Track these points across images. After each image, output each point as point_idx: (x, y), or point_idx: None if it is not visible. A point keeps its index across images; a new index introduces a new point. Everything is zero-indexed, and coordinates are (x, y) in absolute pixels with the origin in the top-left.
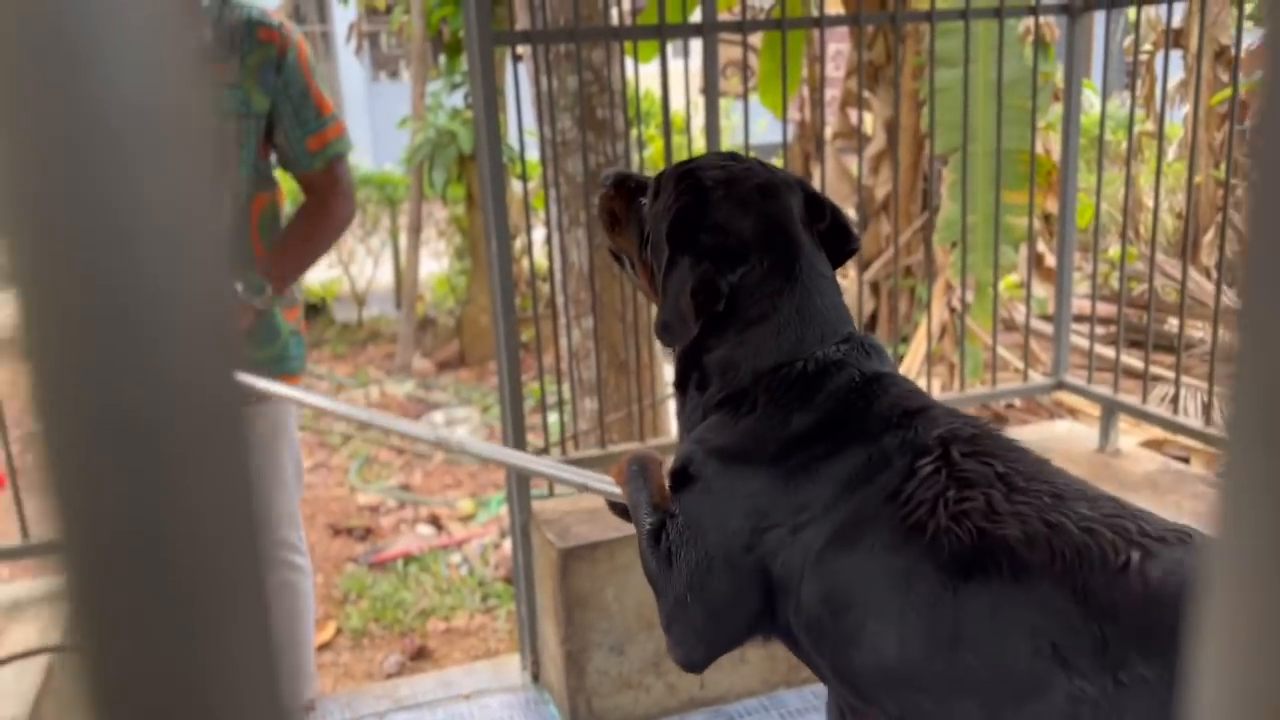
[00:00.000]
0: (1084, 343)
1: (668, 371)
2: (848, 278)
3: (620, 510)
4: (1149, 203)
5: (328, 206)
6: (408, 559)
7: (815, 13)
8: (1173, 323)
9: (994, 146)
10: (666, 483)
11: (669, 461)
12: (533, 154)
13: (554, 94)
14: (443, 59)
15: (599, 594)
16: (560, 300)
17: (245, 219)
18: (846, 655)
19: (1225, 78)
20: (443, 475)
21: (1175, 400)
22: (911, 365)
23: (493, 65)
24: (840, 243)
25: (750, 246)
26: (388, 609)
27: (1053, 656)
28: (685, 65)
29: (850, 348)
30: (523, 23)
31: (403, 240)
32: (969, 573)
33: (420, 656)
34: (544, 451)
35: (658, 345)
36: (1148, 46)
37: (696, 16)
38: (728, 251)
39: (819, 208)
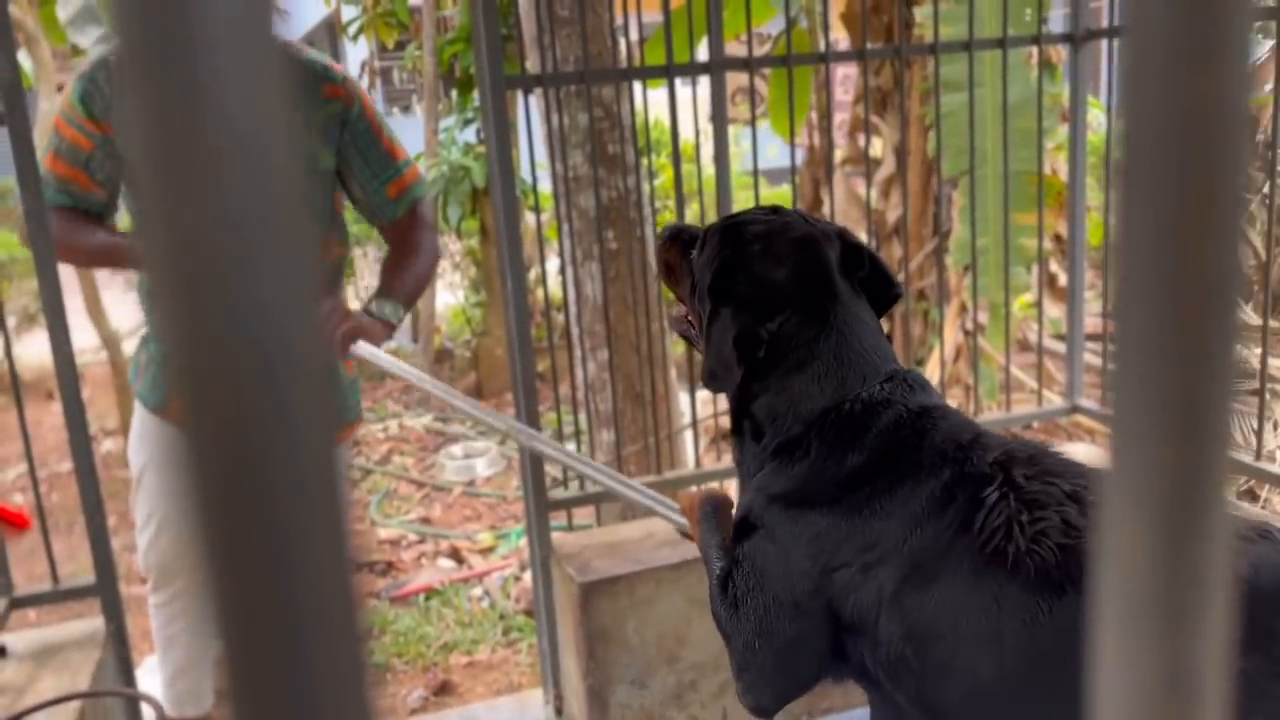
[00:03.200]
0: (1099, 361)
1: (684, 402)
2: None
3: (689, 536)
4: None
5: (419, 242)
6: (429, 593)
7: (821, 44)
8: None
9: (1002, 169)
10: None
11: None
12: (545, 186)
13: (565, 131)
14: (455, 95)
15: (620, 628)
16: (575, 332)
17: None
18: (935, 686)
19: None
20: (462, 509)
21: None
22: None
23: (505, 107)
24: (882, 289)
25: (786, 296)
26: (410, 643)
27: None
28: (694, 93)
29: (894, 385)
30: (533, 60)
31: None
32: (1060, 590)
33: (443, 691)
34: (562, 483)
35: (673, 376)
36: None
37: (703, 50)
38: (764, 301)
39: (858, 257)
